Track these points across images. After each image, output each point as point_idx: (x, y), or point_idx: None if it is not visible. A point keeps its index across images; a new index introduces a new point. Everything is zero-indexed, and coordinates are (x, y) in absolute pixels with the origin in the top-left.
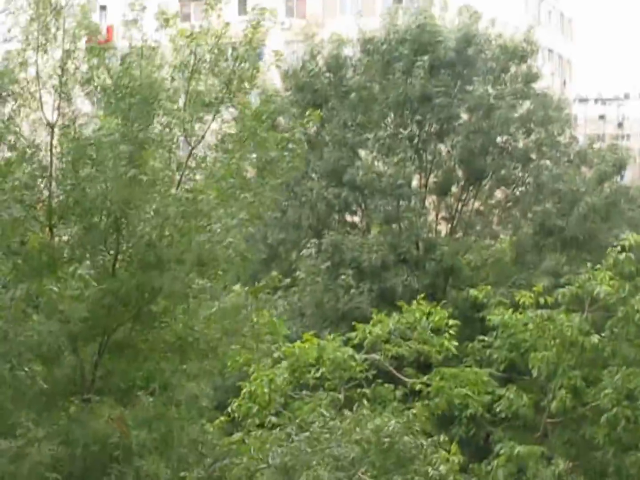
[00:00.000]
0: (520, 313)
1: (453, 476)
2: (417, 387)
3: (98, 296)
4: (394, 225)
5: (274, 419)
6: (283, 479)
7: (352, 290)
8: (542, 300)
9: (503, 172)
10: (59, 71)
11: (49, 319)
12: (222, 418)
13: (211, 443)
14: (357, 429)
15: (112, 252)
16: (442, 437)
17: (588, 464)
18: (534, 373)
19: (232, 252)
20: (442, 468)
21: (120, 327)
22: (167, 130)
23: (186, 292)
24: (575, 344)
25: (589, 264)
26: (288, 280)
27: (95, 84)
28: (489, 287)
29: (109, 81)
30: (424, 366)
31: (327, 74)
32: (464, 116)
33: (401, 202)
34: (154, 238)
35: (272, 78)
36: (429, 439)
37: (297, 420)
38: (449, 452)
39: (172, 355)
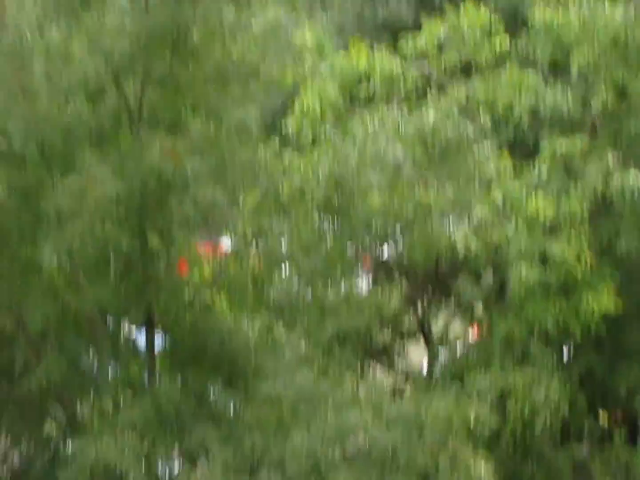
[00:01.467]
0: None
1: (503, 176)
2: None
3: (134, 32)
4: None
5: (328, 132)
6: (333, 191)
7: None
8: None
9: None
10: None
11: (91, 55)
12: (274, 139)
13: (264, 165)
14: None
15: None
16: (489, 144)
17: (637, 158)
18: (574, 72)
19: None
20: (491, 168)
21: (160, 61)
22: None
23: (220, 24)
24: (619, 39)
25: None
26: None
27: None
28: None
29: None
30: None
31: None
32: None
33: None
34: None
35: None
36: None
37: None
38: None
39: (214, 83)
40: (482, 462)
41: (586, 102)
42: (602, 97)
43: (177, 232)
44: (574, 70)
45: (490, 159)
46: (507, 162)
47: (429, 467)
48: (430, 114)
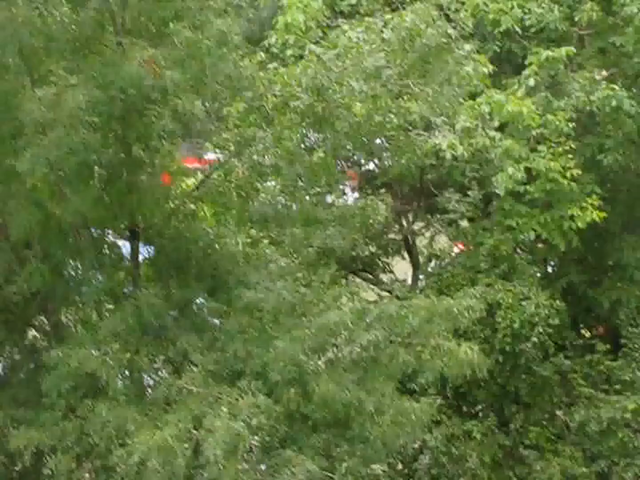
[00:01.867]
0: None
1: (481, 79)
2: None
3: None
4: None
5: (312, 47)
6: (317, 99)
7: None
8: None
9: None
10: None
11: None
12: (260, 53)
13: (248, 78)
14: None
15: None
16: (469, 47)
17: (624, 72)
18: None
19: None
20: (470, 70)
21: None
22: None
23: None
24: None
25: None
26: None
27: None
28: None
29: None
30: None
31: None
32: None
33: None
34: None
35: None
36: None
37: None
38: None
39: None
40: (467, 347)
41: (573, 16)
42: (587, 11)
43: (159, 142)
44: None
45: (471, 62)
46: (487, 67)
47: (412, 362)
48: (409, 18)
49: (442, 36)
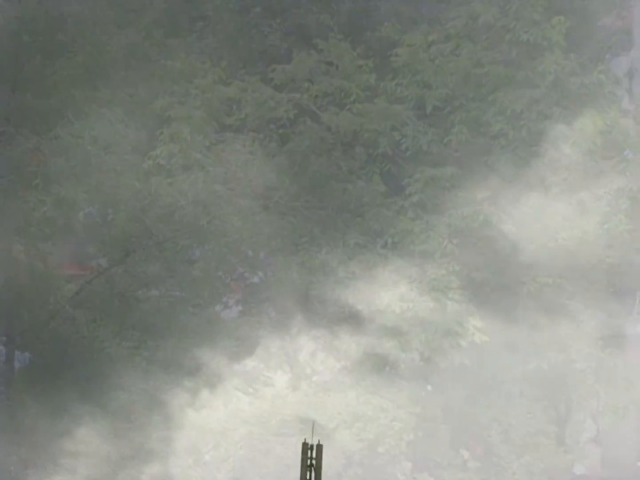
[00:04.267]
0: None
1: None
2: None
3: (6, 25)
4: None
5: (198, 156)
6: (201, 213)
7: (264, 28)
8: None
9: None
10: None
11: None
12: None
13: (134, 184)
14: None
15: None
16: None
17: (502, 195)
18: (429, 109)
19: None
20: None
21: (30, 61)
22: None
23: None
24: (470, 75)
25: None
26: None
27: None
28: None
29: None
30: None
31: None
32: None
33: None
34: None
35: None
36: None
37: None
38: None
39: (82, 85)
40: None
41: (446, 137)
42: (456, 134)
43: (41, 241)
44: (428, 108)
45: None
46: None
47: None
48: (305, 144)
49: (334, 166)
